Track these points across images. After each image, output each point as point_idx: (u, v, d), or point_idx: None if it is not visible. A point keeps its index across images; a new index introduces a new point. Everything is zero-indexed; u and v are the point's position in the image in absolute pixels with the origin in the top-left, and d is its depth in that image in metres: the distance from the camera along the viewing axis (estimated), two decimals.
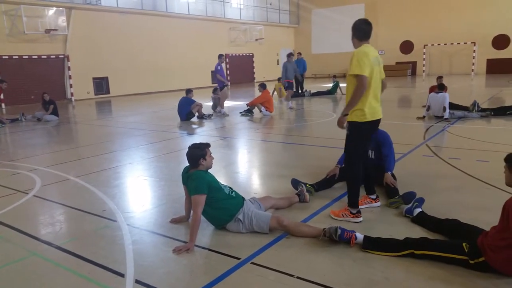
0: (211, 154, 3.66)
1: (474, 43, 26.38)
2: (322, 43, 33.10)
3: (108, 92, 20.68)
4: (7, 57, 16.89)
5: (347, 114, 3.56)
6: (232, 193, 3.68)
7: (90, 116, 13.87)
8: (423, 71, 28.43)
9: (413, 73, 29.13)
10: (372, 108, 3.55)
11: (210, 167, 3.65)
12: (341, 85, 17.15)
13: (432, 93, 9.39)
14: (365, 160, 3.89)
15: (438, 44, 27.67)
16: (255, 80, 29.46)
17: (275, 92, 16.57)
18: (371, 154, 4.89)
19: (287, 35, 33.74)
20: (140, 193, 5.06)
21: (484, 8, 25.76)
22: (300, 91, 16.98)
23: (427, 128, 8.34)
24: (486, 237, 2.81)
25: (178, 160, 6.40)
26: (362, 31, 3.60)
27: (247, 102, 12.14)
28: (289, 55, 14.29)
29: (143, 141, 8.40)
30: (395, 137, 7.67)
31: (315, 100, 15.69)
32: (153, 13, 22.26)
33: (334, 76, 17.80)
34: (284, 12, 33.16)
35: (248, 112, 11.71)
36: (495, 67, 26.14)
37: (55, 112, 12.19)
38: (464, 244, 2.88)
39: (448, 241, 3.08)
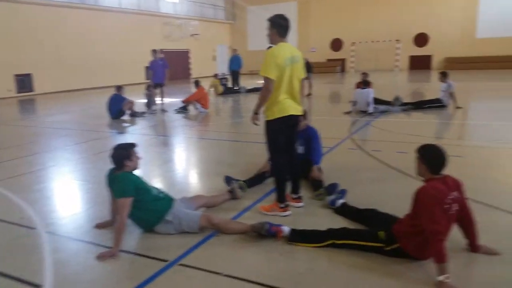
0: (137, 154, 3.56)
1: (398, 40, 28.13)
2: (258, 40, 33.41)
3: (32, 90, 19.29)
4: None
5: (257, 113, 3.73)
6: (160, 194, 3.61)
7: (11, 115, 12.85)
8: (352, 67, 29.80)
9: (343, 69, 30.44)
10: (282, 105, 3.64)
11: (136, 168, 3.55)
12: None
13: (358, 89, 9.90)
14: (292, 156, 4.00)
15: (366, 42, 29.15)
16: (192, 77, 29.06)
17: (212, 89, 16.53)
18: (300, 149, 5.07)
19: (223, 31, 33.65)
20: (64, 197, 4.79)
21: (406, 8, 27.56)
22: (236, 88, 17.04)
23: (353, 123, 8.78)
24: (400, 224, 3.03)
25: (107, 160, 6.14)
26: (282, 27, 3.65)
27: (182, 99, 11.96)
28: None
29: (69, 142, 7.96)
30: (323, 132, 7.98)
31: (252, 96, 15.83)
32: (81, 5, 21.06)
33: None
34: (219, 8, 33.01)
35: (183, 109, 11.54)
36: (417, 63, 28.12)
37: None
38: (380, 232, 3.08)
39: (366, 230, 3.28)
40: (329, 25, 30.44)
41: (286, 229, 3.35)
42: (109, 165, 3.57)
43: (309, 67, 14.94)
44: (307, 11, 31.29)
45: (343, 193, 4.09)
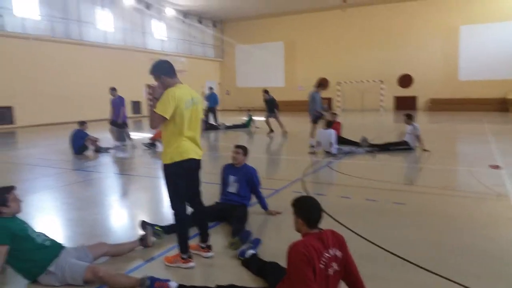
0: (17, 197, 3.34)
1: (382, 81, 28.54)
2: (246, 77, 33.93)
3: (12, 123, 19.19)
4: None
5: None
6: (46, 242, 3.37)
7: None
8: (338, 106, 30.05)
9: (329, 108, 30.63)
10: (180, 148, 3.48)
11: (17, 212, 3.33)
12: (254, 118, 17.46)
13: (321, 129, 9.81)
14: (198, 203, 3.81)
15: (351, 82, 29.55)
16: None
17: None
18: (233, 187, 4.89)
19: (212, 68, 34.15)
20: None
21: (389, 49, 28.17)
22: (214, 124, 16.99)
23: (313, 164, 8.61)
24: (282, 284, 2.79)
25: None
26: (163, 69, 3.54)
27: (150, 136, 11.83)
28: (318, 86, 11.42)
29: (15, 177, 7.73)
30: (276, 172, 7.91)
31: (230, 133, 15.74)
32: (65, 40, 21.37)
33: (249, 110, 18.13)
34: (208, 46, 33.65)
35: (151, 145, 11.38)
36: (401, 104, 28.39)
37: None
38: None
39: None
40: (315, 64, 30.96)
41: (173, 284, 3.10)
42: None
43: (274, 105, 15.01)
44: (293, 51, 31.93)
45: (255, 243, 3.86)
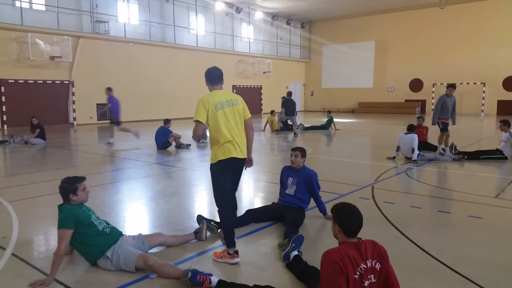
0: (85, 188, 3.65)
1: (484, 83, 25.95)
2: (333, 78, 33.28)
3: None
4: (13, 81, 17.71)
5: None
6: (107, 229, 3.64)
7: (81, 141, 14.20)
8: (432, 109, 28.01)
9: (422, 111, 28.74)
10: (221, 148, 3.67)
11: (84, 201, 3.64)
12: (335, 120, 17.06)
13: (401, 134, 9.20)
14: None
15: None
16: (263, 112, 29.66)
17: (267, 125, 16.65)
18: (291, 189, 4.82)
19: (297, 68, 34.14)
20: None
21: (494, 49, 25.50)
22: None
23: (388, 169, 8.12)
24: None
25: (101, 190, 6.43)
26: (209, 76, 3.91)
27: None
28: (450, 86, 10.19)
29: (102, 168, 8.51)
30: (347, 176, 7.56)
31: (307, 134, 15.57)
32: (161, 44, 23.04)
33: (329, 112, 17.71)
34: (295, 47, 33.68)
35: (187, 145, 11.54)
36: (506, 109, 25.54)
37: (42, 136, 12.54)
38: None
39: None
40: (408, 65, 29.24)
41: (214, 279, 3.14)
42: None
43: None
44: (384, 50, 30.51)
45: (298, 241, 3.73)
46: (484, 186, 6.89)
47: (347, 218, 2.50)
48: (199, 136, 3.78)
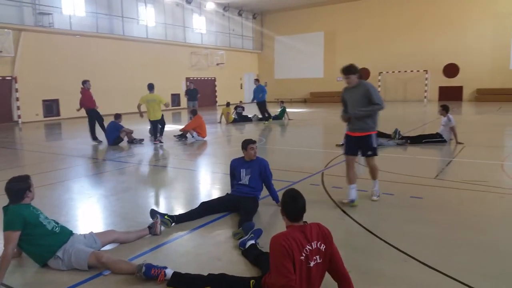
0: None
1: (426, 71, 27.36)
2: (285, 69, 33.72)
3: (58, 115, 20.35)
4: None
5: None
6: (56, 228, 3.58)
7: (27, 139, 13.54)
8: None
9: None
10: None
11: (33, 198, 3.58)
12: (288, 110, 17.40)
13: None
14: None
15: (393, 72, 28.57)
16: (217, 104, 29.58)
17: (223, 117, 16.71)
18: (245, 179, 4.94)
19: (250, 60, 34.24)
20: None
21: (434, 38, 26.86)
22: (266, 115, 16.75)
23: (337, 156, 8.45)
24: (268, 274, 2.82)
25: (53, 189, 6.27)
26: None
27: (180, 128, 12.14)
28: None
29: (48, 167, 8.23)
30: (298, 164, 7.82)
31: (260, 124, 15.76)
32: (109, 36, 22.27)
33: (282, 102, 18.01)
34: (247, 38, 33.73)
35: (181, 137, 11.69)
36: (446, 94, 27.10)
37: None
38: (251, 280, 2.89)
39: (241, 277, 3.07)
40: (356, 55, 30.08)
41: (169, 272, 3.21)
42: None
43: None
44: (333, 41, 31.28)
45: (256, 233, 3.90)
46: (425, 168, 7.38)
47: (288, 203, 2.65)
48: None
